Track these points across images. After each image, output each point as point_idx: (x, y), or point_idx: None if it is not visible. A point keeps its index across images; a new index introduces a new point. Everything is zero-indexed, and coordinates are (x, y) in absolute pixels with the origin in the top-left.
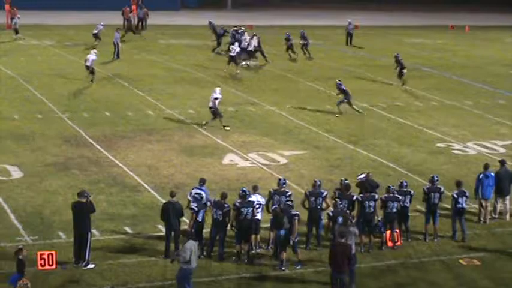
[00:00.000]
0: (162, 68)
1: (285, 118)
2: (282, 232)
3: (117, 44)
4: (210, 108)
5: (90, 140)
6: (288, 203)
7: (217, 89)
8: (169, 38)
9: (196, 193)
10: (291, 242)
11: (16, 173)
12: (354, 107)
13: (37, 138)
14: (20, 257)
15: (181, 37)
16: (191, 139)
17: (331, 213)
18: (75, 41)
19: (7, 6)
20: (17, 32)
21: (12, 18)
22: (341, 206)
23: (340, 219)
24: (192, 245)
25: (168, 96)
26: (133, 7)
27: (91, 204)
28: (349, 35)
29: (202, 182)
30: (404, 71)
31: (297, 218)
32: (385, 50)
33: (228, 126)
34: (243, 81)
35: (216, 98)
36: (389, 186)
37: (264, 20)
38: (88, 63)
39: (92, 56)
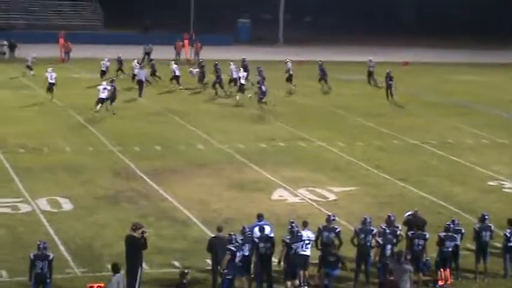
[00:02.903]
0: (212, 103)
1: (335, 154)
2: (336, 272)
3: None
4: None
5: (141, 174)
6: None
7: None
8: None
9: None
10: None
11: (67, 205)
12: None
13: (88, 171)
14: (184, 281)
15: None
16: (241, 174)
17: (381, 241)
18: (127, 76)
19: (61, 40)
20: (30, 68)
21: (66, 53)
22: (389, 233)
23: (389, 246)
24: None
25: (218, 130)
26: (186, 42)
27: (144, 240)
28: (370, 73)
29: (261, 216)
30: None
31: None
32: (433, 87)
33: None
34: (294, 117)
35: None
36: (448, 225)
37: (315, 55)
38: (104, 96)
39: (106, 87)
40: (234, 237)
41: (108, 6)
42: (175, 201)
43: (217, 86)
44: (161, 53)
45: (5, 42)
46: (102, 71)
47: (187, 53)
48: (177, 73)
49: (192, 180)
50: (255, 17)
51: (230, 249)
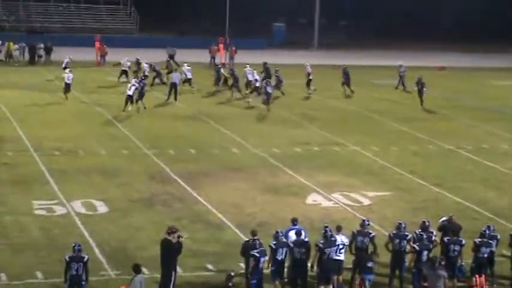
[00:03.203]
0: (246, 107)
1: (369, 159)
2: (371, 276)
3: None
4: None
5: (175, 177)
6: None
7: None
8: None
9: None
10: None
11: (102, 208)
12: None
13: (123, 174)
14: (230, 284)
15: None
16: (275, 178)
17: (417, 247)
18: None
19: (97, 44)
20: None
21: (102, 56)
22: (425, 238)
23: (425, 253)
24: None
25: (253, 134)
26: (221, 46)
27: (179, 245)
28: (401, 78)
29: (296, 220)
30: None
31: None
32: (470, 92)
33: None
34: (329, 121)
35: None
36: (484, 231)
37: (349, 60)
38: (130, 92)
39: (134, 84)
40: (257, 241)
41: (143, 10)
42: (209, 205)
43: (234, 88)
44: (196, 57)
45: (42, 45)
46: (124, 70)
47: (222, 57)
48: (189, 76)
49: (226, 183)
50: (291, 21)
51: (253, 255)
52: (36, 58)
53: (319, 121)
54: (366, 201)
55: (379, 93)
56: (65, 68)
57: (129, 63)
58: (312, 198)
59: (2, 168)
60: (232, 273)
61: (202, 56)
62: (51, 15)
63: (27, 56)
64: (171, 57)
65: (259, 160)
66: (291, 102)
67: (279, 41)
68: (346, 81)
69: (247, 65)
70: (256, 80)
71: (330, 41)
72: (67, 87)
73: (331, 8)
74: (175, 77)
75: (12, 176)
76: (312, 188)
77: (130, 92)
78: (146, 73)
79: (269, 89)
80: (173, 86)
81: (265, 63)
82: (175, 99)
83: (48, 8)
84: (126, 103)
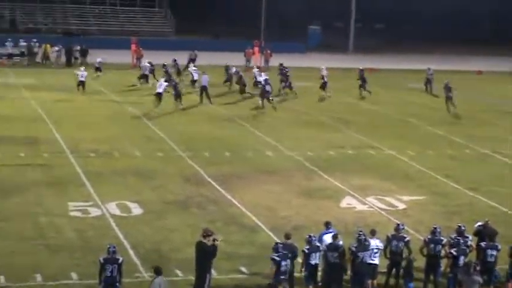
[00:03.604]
0: (282, 110)
1: (405, 163)
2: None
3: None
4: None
5: (209, 179)
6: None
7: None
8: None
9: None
10: None
11: (136, 210)
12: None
13: (158, 176)
14: None
15: (303, 79)
16: (310, 181)
17: (455, 253)
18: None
19: (133, 46)
20: (99, 70)
21: (137, 59)
22: (463, 243)
23: (462, 258)
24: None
25: (287, 137)
26: (256, 49)
27: (214, 248)
28: (428, 81)
29: (329, 224)
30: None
31: None
32: (507, 96)
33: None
34: (364, 125)
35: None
36: None
37: (385, 63)
38: (160, 90)
39: (162, 84)
40: (279, 245)
41: (179, 12)
42: (243, 207)
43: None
44: (232, 60)
45: (78, 48)
46: (144, 74)
47: (257, 60)
48: (195, 77)
49: (260, 186)
50: (326, 25)
51: (274, 259)
52: (73, 60)
53: (355, 125)
54: (401, 205)
55: (415, 97)
56: (97, 69)
57: (148, 66)
58: (347, 202)
59: (38, 170)
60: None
61: (238, 59)
62: (87, 17)
63: (63, 58)
64: (192, 61)
65: (294, 163)
66: (325, 106)
67: (314, 45)
68: (363, 84)
69: (257, 67)
70: (264, 80)
71: (365, 44)
72: (80, 84)
73: (367, 12)
74: (204, 80)
75: (48, 178)
76: (346, 192)
77: (160, 90)
78: (195, 76)
79: (268, 88)
80: (203, 89)
81: (281, 64)
82: (210, 101)
83: (84, 10)
84: (157, 100)
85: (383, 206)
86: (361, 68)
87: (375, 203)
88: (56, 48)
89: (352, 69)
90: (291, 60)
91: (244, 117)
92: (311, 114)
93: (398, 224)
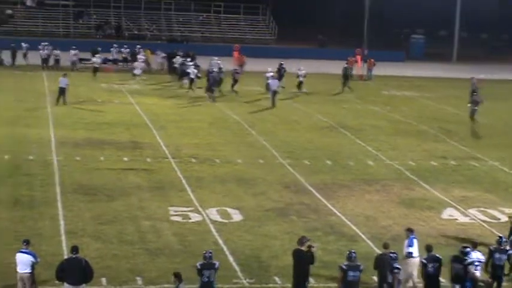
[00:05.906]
0: (384, 119)
1: (508, 174)
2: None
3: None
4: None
5: (310, 188)
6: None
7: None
8: (392, 88)
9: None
10: None
11: (236, 216)
12: None
13: (258, 183)
14: None
15: (404, 88)
16: (410, 191)
17: None
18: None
19: (236, 54)
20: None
21: (240, 66)
22: None
23: None
24: None
25: (388, 147)
26: (358, 57)
27: (311, 254)
28: (473, 91)
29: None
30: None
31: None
32: None
33: None
34: (467, 136)
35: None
36: None
37: (488, 73)
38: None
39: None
40: (353, 255)
41: (281, 19)
42: (343, 217)
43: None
44: (335, 68)
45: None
46: (191, 78)
47: (359, 68)
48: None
49: (361, 195)
50: (430, 34)
51: (341, 268)
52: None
53: (457, 135)
54: (504, 218)
55: None
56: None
57: (195, 72)
58: (448, 213)
59: (142, 174)
60: None
61: (341, 67)
62: (191, 24)
63: (165, 65)
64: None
65: (395, 173)
66: (426, 115)
67: (417, 54)
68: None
69: (269, 69)
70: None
71: (469, 53)
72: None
73: (472, 21)
74: (274, 84)
75: (151, 182)
76: (448, 203)
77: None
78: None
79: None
80: (272, 93)
81: (281, 64)
82: (273, 104)
83: (188, 17)
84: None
85: (485, 218)
86: (473, 77)
87: (477, 215)
88: (163, 54)
89: (456, 79)
90: (391, 69)
91: (346, 126)
92: (411, 124)
93: (500, 237)
